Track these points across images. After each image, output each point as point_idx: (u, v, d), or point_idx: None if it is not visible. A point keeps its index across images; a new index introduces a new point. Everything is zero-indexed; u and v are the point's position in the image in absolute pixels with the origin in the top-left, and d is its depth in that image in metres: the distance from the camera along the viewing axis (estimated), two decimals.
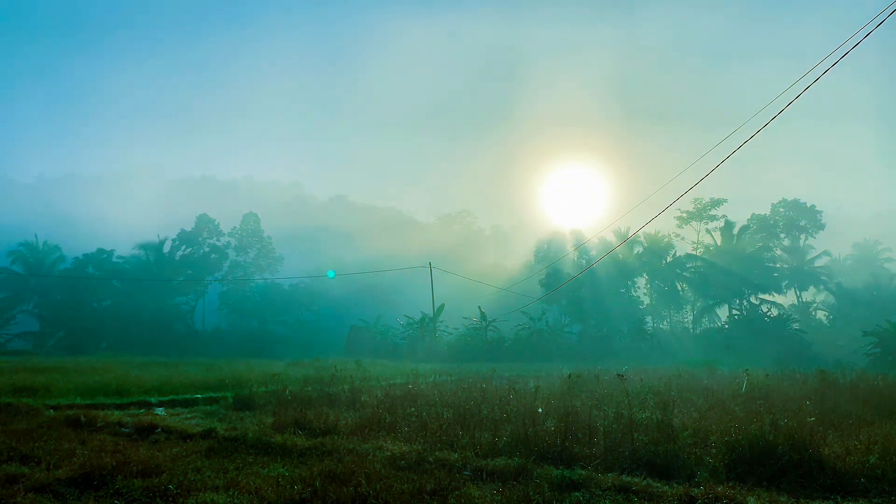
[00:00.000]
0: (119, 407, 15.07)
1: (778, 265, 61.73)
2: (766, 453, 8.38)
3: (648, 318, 64.88)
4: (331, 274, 71.34)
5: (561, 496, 7.39)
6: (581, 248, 68.98)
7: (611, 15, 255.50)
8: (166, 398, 16.71)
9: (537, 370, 29.35)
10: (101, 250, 71.78)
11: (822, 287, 60.49)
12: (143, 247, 72.36)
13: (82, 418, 12.38)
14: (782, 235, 62.38)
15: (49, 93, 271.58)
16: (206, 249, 73.69)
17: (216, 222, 75.01)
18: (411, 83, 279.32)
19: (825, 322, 58.78)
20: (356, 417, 12.63)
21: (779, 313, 59.35)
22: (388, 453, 9.37)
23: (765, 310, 59.97)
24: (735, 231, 62.80)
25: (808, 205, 61.51)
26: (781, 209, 62.36)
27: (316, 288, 75.38)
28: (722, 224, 63.22)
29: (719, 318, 62.16)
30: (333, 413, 12.97)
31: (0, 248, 72.06)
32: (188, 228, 74.42)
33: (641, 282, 65.34)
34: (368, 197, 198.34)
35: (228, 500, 7.17)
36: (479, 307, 57.52)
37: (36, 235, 71.23)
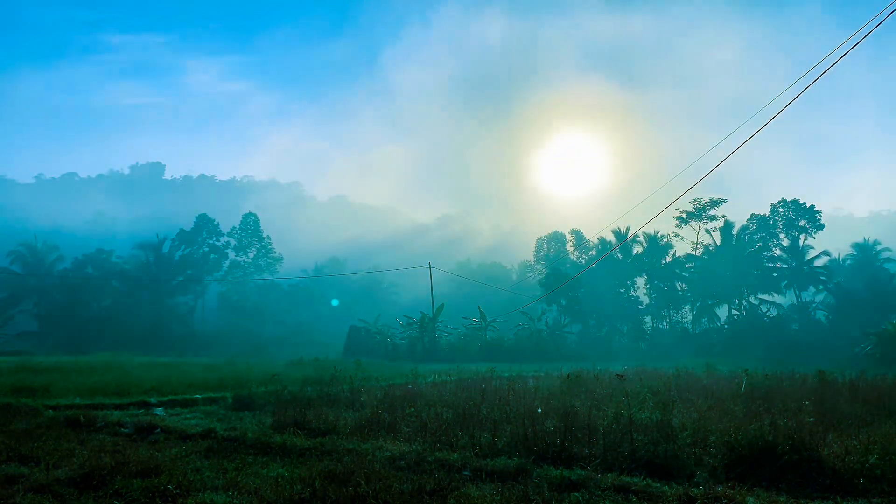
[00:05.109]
0: (118, 407, 15.05)
1: (777, 265, 61.71)
2: (765, 453, 8.38)
3: (648, 318, 64.87)
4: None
5: (560, 496, 7.38)
6: (580, 248, 69.00)
7: (613, 13, 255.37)
8: (165, 398, 16.68)
9: (537, 370, 29.34)
10: (100, 250, 71.80)
11: (821, 287, 60.43)
12: (143, 247, 72.38)
13: (81, 418, 12.37)
14: (781, 235, 62.34)
15: (48, 93, 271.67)
16: (206, 249, 73.69)
17: (216, 222, 75.00)
18: (412, 83, 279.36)
19: (824, 322, 58.73)
20: (356, 417, 12.62)
21: (778, 313, 59.29)
22: (388, 453, 9.37)
23: (764, 310, 59.93)
24: (734, 231, 62.78)
25: (808, 205, 61.47)
26: (781, 209, 62.31)
27: (315, 288, 75.40)
28: (721, 224, 63.23)
29: (719, 319, 62.12)
30: (333, 413, 12.95)
31: None
32: (188, 228, 74.42)
33: (641, 282, 65.32)
34: (368, 197, 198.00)
35: (228, 500, 7.17)
36: (479, 307, 57.50)
37: (35, 235, 71.24)
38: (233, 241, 75.59)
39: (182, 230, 74.29)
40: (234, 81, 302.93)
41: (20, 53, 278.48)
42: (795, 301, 60.59)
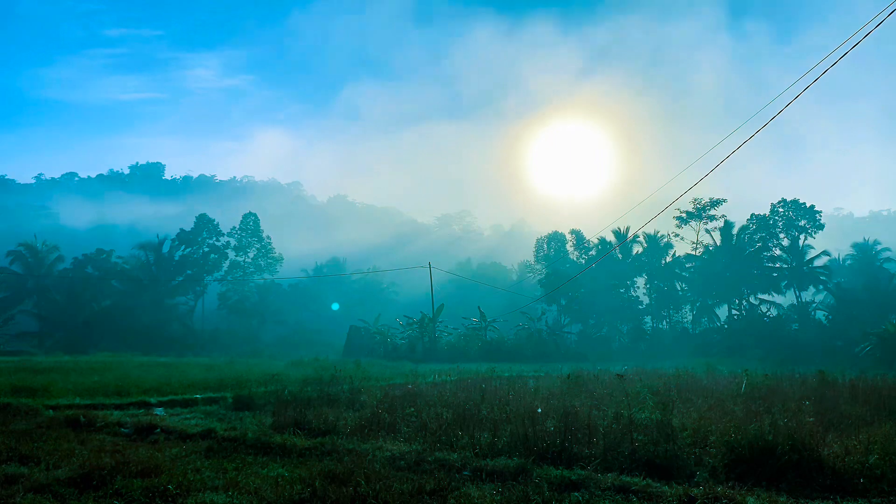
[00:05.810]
0: (118, 407, 15.06)
1: (777, 265, 61.69)
2: (765, 453, 8.38)
3: (648, 319, 64.86)
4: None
5: (560, 496, 7.39)
6: (580, 248, 68.95)
7: (613, 12, 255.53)
8: (165, 398, 16.69)
9: (537, 370, 29.35)
10: (100, 250, 71.71)
11: (821, 287, 60.41)
12: (143, 247, 72.30)
13: (82, 418, 12.37)
14: (781, 235, 62.32)
15: (47, 89, 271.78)
16: (206, 249, 73.62)
17: (215, 222, 74.95)
18: (413, 83, 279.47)
19: (824, 322, 58.71)
20: (355, 417, 12.62)
21: (778, 313, 59.24)
22: (388, 453, 9.38)
23: (764, 310, 59.90)
24: (734, 231, 62.74)
25: (808, 205, 61.44)
26: (781, 209, 62.29)
27: (315, 288, 75.41)
28: (721, 224, 63.18)
29: (718, 319, 62.09)
30: (333, 413, 12.95)
31: None
32: (188, 228, 74.39)
33: (641, 282, 65.30)
34: (368, 197, 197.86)
35: (228, 500, 7.17)
36: (479, 307, 57.49)
37: (35, 235, 71.13)
38: (233, 241, 75.55)
39: (182, 230, 74.23)
40: (233, 77, 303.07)
41: (18, 49, 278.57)
42: (795, 301, 60.57)
